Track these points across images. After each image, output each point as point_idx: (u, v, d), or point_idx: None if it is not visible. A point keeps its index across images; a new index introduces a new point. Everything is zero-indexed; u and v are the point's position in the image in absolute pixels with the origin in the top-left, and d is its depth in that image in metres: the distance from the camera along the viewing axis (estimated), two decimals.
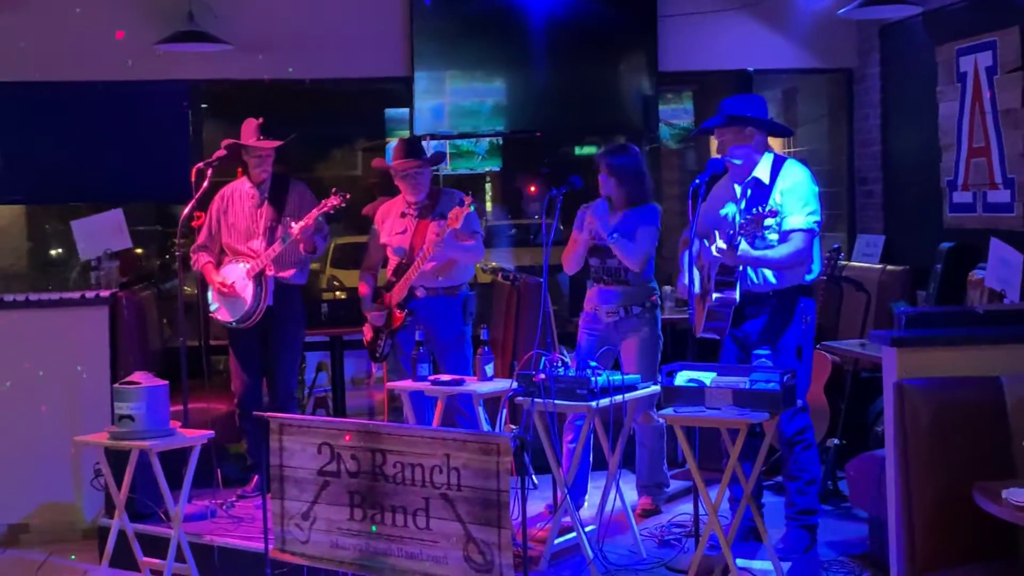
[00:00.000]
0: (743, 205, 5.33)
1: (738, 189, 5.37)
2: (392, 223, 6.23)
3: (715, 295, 5.18)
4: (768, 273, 5.28)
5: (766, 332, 5.33)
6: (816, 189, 5.30)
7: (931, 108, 6.83)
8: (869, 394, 6.25)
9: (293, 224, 6.14)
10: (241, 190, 6.39)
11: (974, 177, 6.45)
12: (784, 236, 5.17)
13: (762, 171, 5.33)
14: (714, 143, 5.69)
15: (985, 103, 6.30)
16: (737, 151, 5.34)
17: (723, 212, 5.41)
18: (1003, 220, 6.17)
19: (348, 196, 6.16)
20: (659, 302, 6.02)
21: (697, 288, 5.36)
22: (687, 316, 5.35)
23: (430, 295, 6.12)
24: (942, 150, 6.76)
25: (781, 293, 5.32)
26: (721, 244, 5.04)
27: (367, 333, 6.27)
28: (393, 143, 7.12)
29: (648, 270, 5.92)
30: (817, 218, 5.24)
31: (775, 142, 9.03)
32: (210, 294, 6.36)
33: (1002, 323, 4.61)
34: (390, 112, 11.21)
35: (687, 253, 5.47)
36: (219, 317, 6.32)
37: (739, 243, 5.03)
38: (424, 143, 6.20)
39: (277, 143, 6.26)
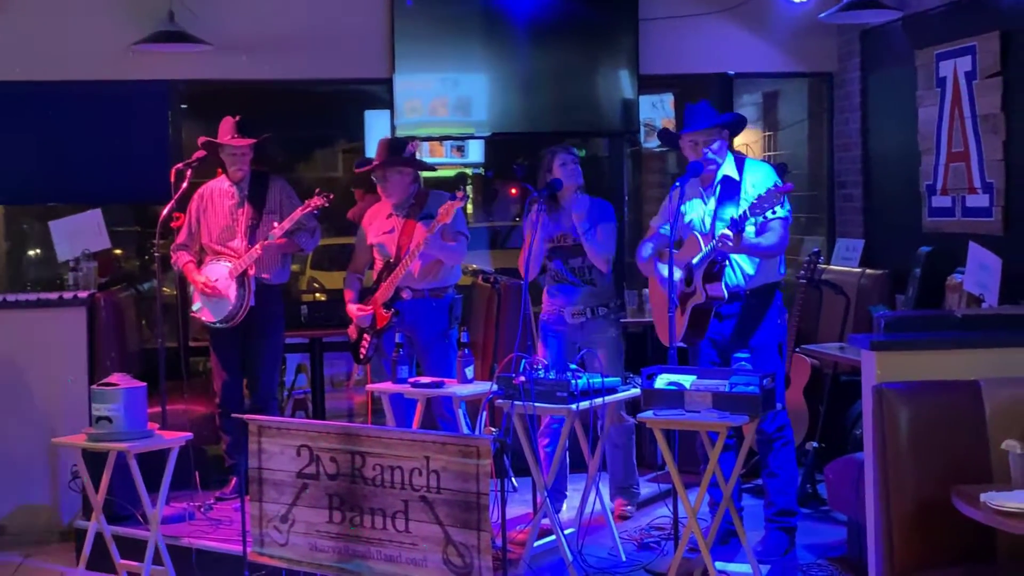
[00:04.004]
0: (712, 205, 5.36)
1: (708, 197, 5.39)
2: (380, 224, 6.22)
3: (706, 289, 5.19)
4: (748, 267, 5.31)
5: (745, 332, 5.36)
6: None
7: (911, 112, 6.86)
8: (848, 398, 6.26)
9: (276, 224, 6.12)
10: (220, 189, 6.37)
11: (953, 181, 6.48)
12: (763, 227, 5.20)
13: (729, 170, 5.39)
14: None
15: (964, 108, 6.32)
16: (716, 152, 5.38)
17: (689, 218, 5.43)
18: (982, 224, 6.19)
19: (332, 196, 6.15)
20: (627, 302, 6.05)
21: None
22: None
23: (416, 297, 6.10)
24: (921, 154, 6.78)
25: (757, 291, 5.36)
26: (727, 232, 5.05)
27: (351, 334, 6.25)
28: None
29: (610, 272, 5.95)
30: (788, 206, 5.28)
31: (756, 147, 9.09)
32: (192, 293, 6.33)
33: (980, 327, 4.64)
34: (370, 113, 11.19)
35: (656, 260, 5.50)
36: (202, 317, 6.30)
37: (746, 226, 5.05)
38: (410, 147, 6.18)
39: (251, 140, 6.25)
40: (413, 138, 7.03)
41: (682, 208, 5.43)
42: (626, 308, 7.27)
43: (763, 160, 7.53)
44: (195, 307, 6.31)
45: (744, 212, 5.03)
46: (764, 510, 5.53)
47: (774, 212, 5.04)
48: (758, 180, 5.32)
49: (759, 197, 4.99)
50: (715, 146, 5.37)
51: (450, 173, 11.60)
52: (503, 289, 6.70)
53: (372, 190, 6.50)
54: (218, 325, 6.25)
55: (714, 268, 5.22)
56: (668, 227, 5.50)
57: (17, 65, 7.17)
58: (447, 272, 6.16)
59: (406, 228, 6.10)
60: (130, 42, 7.07)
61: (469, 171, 12.53)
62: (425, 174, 6.74)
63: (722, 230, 5.11)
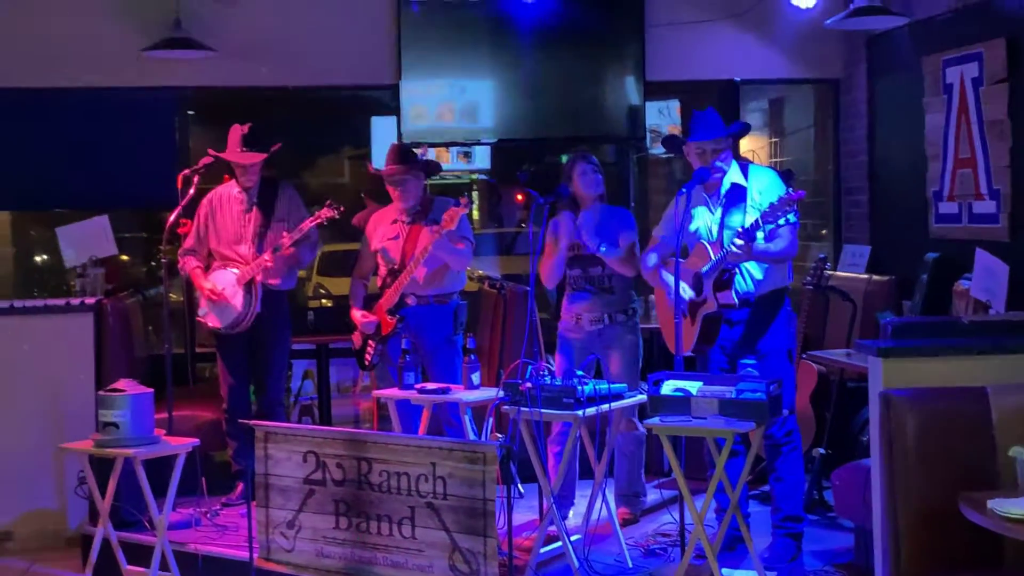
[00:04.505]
0: (719, 213, 5.37)
1: (715, 205, 5.40)
2: (384, 230, 6.22)
3: (718, 297, 5.19)
4: (757, 273, 5.31)
5: (755, 338, 5.35)
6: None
7: (917, 119, 6.85)
8: (855, 404, 6.25)
9: (285, 233, 6.13)
10: (229, 195, 6.37)
11: (960, 188, 6.47)
12: (772, 233, 5.20)
13: (736, 177, 5.39)
14: None
15: (971, 114, 6.32)
16: (723, 161, 5.39)
17: (695, 226, 5.43)
18: (988, 231, 6.19)
19: (342, 209, 6.15)
20: (639, 309, 6.06)
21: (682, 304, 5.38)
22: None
23: (420, 303, 6.10)
24: (928, 161, 6.78)
25: (766, 297, 5.36)
26: (738, 241, 5.05)
27: (356, 341, 6.25)
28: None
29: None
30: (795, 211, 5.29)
31: (762, 153, 9.09)
32: (198, 298, 6.34)
33: (987, 333, 4.62)
34: (376, 120, 11.21)
35: (661, 269, 5.50)
36: (208, 322, 6.30)
37: (757, 234, 5.05)
38: (420, 153, 6.19)
39: (260, 156, 6.22)
40: (419, 144, 7.02)
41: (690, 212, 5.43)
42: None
43: (769, 167, 7.53)
44: (201, 312, 6.32)
45: (756, 221, 5.03)
46: (771, 516, 5.52)
47: (787, 220, 5.05)
48: (764, 186, 5.32)
49: (771, 205, 4.99)
50: (722, 155, 5.38)
51: (465, 180, 11.62)
52: (509, 295, 6.70)
53: (380, 198, 6.49)
54: (224, 331, 6.26)
55: (724, 276, 5.22)
56: (667, 236, 5.51)
57: (24, 71, 7.18)
58: (452, 278, 6.16)
59: (411, 234, 6.10)
60: (137, 49, 7.08)
61: (475, 176, 12.56)
62: (431, 181, 6.74)
63: (732, 239, 5.10)
